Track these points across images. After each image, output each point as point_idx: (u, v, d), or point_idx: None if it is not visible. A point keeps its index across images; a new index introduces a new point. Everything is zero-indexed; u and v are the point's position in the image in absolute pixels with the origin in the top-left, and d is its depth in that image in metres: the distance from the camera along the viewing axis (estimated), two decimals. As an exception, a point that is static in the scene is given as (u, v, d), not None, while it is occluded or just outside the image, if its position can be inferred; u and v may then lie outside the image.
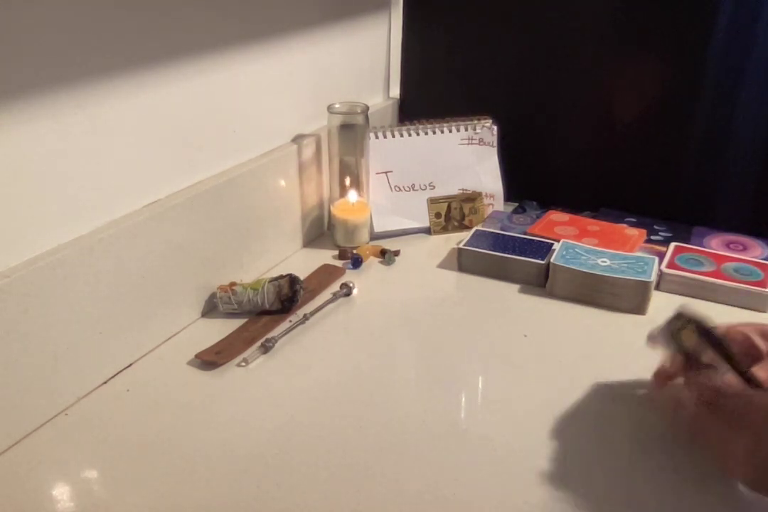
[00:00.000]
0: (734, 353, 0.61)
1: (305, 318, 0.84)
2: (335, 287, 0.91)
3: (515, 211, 1.12)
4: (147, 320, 0.77)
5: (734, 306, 0.87)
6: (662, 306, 0.87)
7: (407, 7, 1.15)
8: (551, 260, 0.90)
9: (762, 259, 0.94)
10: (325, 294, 0.90)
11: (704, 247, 0.98)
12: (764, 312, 0.86)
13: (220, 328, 0.82)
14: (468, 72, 1.14)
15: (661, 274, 0.91)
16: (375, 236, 1.05)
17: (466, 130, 1.09)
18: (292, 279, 0.85)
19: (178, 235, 0.79)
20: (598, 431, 0.67)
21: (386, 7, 1.15)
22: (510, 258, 0.93)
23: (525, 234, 1.01)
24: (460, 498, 0.59)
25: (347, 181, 1.02)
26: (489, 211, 1.11)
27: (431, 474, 0.62)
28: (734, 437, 0.57)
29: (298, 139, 0.98)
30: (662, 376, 0.68)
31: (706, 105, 1.00)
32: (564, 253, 0.92)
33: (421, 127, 1.08)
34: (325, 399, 0.72)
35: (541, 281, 0.92)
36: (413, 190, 1.08)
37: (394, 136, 1.07)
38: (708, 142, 1.02)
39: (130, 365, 0.76)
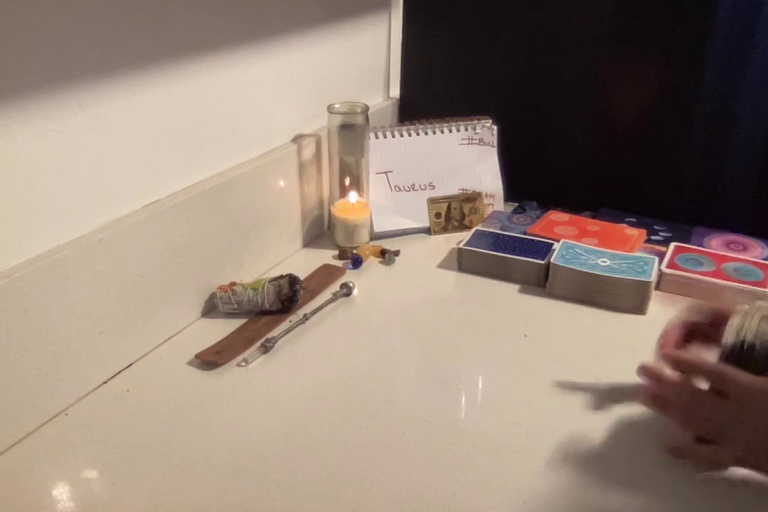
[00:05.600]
0: None
1: (305, 318, 0.84)
2: (335, 287, 0.91)
3: (515, 211, 1.12)
4: (147, 320, 0.77)
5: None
6: (662, 306, 0.87)
7: (407, 7, 1.15)
8: (551, 260, 0.90)
9: (762, 259, 0.94)
10: (325, 294, 0.90)
11: (704, 247, 0.98)
12: (764, 312, 0.86)
13: (220, 328, 0.82)
14: (468, 72, 1.14)
15: (661, 274, 0.91)
16: (375, 236, 1.05)
17: (466, 130, 1.09)
18: (292, 279, 0.85)
19: (178, 235, 0.79)
20: (598, 431, 0.67)
21: (386, 7, 1.15)
22: (510, 258, 0.93)
23: (525, 234, 1.01)
24: (460, 498, 0.59)
25: (347, 181, 1.02)
26: (489, 211, 1.11)
27: (431, 474, 0.62)
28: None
29: (298, 139, 0.98)
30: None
31: (705, 105, 1.00)
32: (564, 252, 0.92)
33: (421, 127, 1.08)
34: (325, 399, 0.72)
35: (541, 281, 0.92)
36: (413, 190, 1.08)
37: (394, 136, 1.07)
38: (708, 141, 1.02)
39: (130, 365, 0.76)
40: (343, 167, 1.01)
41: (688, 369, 0.63)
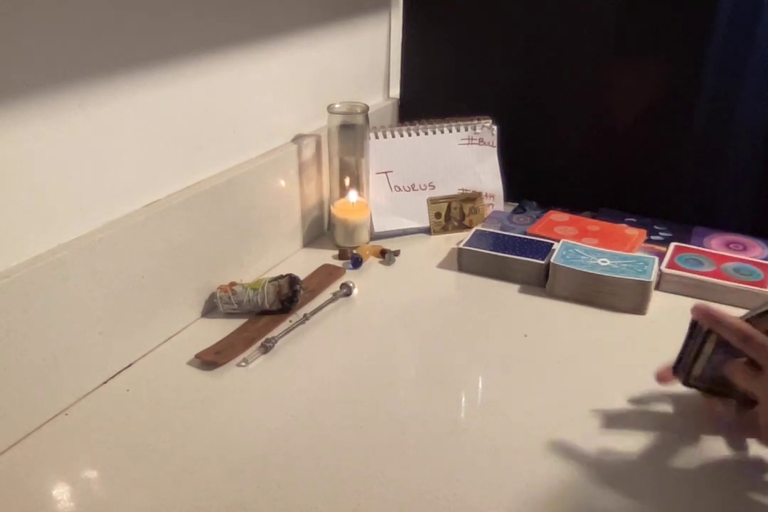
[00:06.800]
0: None
1: (305, 318, 0.84)
2: (335, 287, 0.91)
3: (515, 211, 1.12)
4: (147, 320, 0.77)
5: (734, 306, 0.87)
6: (662, 306, 0.87)
7: (407, 7, 1.15)
8: (551, 260, 0.90)
9: (762, 259, 0.94)
10: (325, 294, 0.90)
11: (704, 247, 0.98)
12: (764, 312, 0.86)
13: (220, 328, 0.82)
14: (468, 72, 1.14)
15: (661, 274, 0.91)
16: (375, 236, 1.05)
17: (466, 130, 1.09)
18: (292, 280, 0.85)
19: (178, 235, 0.79)
20: (598, 431, 0.67)
21: (386, 7, 1.16)
22: (510, 258, 0.93)
23: (525, 234, 1.01)
24: (460, 498, 0.59)
25: (347, 181, 1.02)
26: (489, 211, 1.11)
27: (431, 474, 0.62)
28: None
29: (298, 139, 0.98)
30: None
31: (705, 105, 1.00)
32: (564, 252, 0.92)
33: (421, 127, 1.08)
34: (325, 399, 0.72)
35: (541, 281, 0.92)
36: (413, 190, 1.08)
37: (394, 136, 1.07)
38: (708, 142, 1.02)
39: (130, 365, 0.76)
40: (343, 167, 1.01)
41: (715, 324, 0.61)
